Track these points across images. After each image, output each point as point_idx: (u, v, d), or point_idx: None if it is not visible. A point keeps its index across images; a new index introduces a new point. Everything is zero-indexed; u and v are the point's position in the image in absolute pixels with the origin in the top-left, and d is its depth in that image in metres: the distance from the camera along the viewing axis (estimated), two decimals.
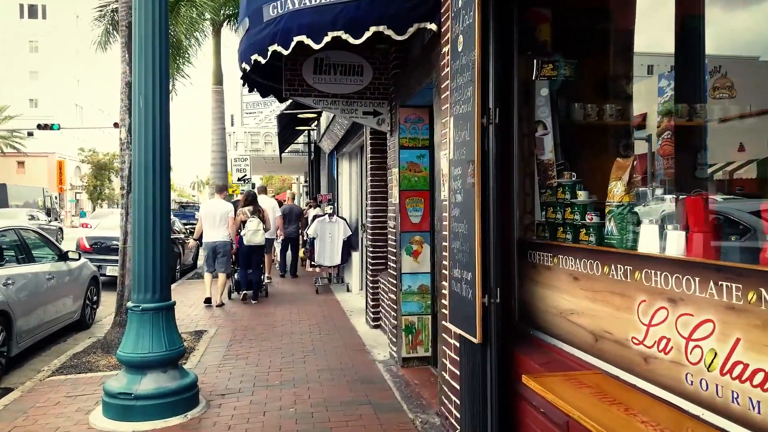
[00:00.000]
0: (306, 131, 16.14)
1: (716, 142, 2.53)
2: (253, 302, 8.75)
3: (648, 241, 2.05)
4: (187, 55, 12.44)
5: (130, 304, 4.05)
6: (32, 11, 53.40)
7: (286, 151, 17.17)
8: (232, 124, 24.92)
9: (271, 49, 4.22)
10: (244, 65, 4.66)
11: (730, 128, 2.50)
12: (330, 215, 9.73)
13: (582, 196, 2.53)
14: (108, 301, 8.61)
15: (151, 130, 4.09)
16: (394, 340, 5.34)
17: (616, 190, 2.23)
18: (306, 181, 24.28)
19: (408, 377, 4.78)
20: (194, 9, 11.29)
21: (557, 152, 3.02)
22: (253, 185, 26.86)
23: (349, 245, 9.68)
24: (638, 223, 2.15)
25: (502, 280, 2.82)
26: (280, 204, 13.54)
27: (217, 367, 5.18)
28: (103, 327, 7.48)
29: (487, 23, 2.79)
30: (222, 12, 12.53)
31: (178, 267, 12.29)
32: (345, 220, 9.92)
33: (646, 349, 1.97)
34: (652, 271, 1.95)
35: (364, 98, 5.56)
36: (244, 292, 8.96)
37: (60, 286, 6.67)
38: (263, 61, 4.35)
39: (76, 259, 7.25)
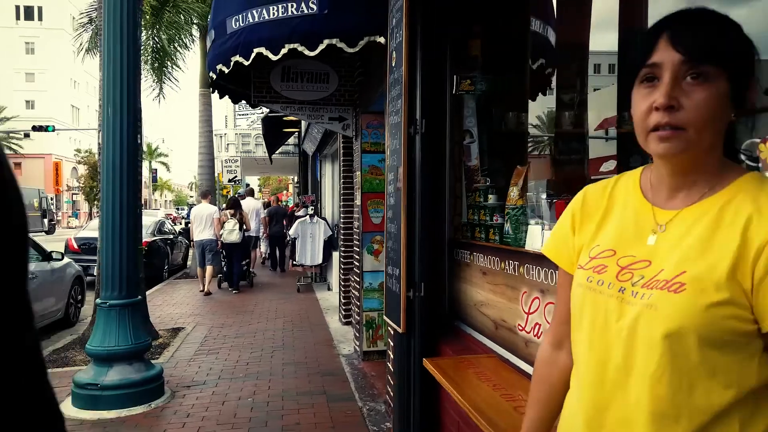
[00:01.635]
0: (295, 133, 16.41)
1: None
2: (231, 290, 9.81)
3: (533, 240, 2.31)
4: (174, 59, 12.66)
5: (98, 300, 4.31)
6: (28, 13, 53.61)
7: (278, 152, 17.42)
8: (227, 125, 25.19)
9: (233, 59, 4.48)
10: (211, 74, 4.94)
11: None
12: (311, 216, 10.00)
13: (491, 199, 2.79)
14: (93, 300, 8.90)
15: (119, 136, 4.34)
16: (358, 335, 5.60)
17: (513, 194, 2.50)
18: (297, 182, 24.57)
19: (367, 370, 5.04)
20: (180, 14, 11.52)
21: (483, 159, 3.28)
22: (247, 185, 27.22)
23: (330, 245, 9.96)
24: (528, 223, 2.41)
25: (431, 276, 3.08)
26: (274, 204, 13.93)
27: (188, 361, 5.44)
28: (86, 325, 7.73)
29: (415, 41, 3.05)
30: (209, 16, 12.77)
31: (166, 267, 12.54)
32: (326, 220, 10.19)
33: (526, 335, 2.24)
34: (531, 266, 2.21)
35: (331, 104, 5.82)
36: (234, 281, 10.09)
37: (43, 286, 6.92)
38: (227, 71, 4.61)
39: (59, 260, 7.50)
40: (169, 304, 8.83)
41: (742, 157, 1.35)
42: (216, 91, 5.70)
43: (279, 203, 13.10)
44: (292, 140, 18.24)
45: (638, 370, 0.89)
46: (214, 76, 4.88)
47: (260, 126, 23.67)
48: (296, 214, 12.40)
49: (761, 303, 0.82)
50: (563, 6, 3.48)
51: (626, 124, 2.86)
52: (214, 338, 6.40)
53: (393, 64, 3.28)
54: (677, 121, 0.87)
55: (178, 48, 13.07)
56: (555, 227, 1.12)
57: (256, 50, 4.33)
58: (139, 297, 4.46)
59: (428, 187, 3.10)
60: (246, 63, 4.41)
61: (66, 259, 7.84)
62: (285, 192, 37.76)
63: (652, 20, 2.84)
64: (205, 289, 9.59)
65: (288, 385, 4.63)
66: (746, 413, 0.86)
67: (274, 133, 14.60)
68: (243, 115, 26.26)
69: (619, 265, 0.95)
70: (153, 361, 4.90)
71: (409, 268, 2.99)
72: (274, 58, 4.29)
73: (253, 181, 50.52)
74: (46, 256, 7.28)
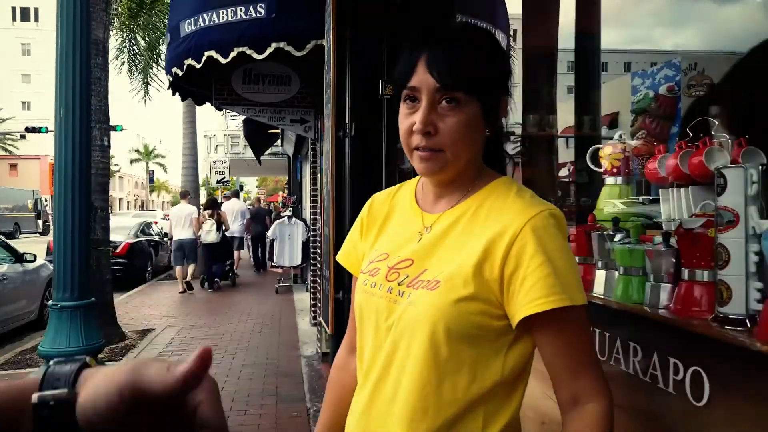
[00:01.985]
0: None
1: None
2: (210, 290, 9.96)
3: None
4: (157, 61, 12.70)
5: (50, 302, 4.33)
6: (25, 14, 53.68)
7: (267, 153, 17.41)
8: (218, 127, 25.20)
9: (186, 62, 4.52)
10: (168, 76, 4.98)
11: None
12: (289, 217, 10.05)
13: None
14: None
15: (71, 139, 4.38)
16: (320, 336, 5.62)
17: None
18: (287, 184, 24.61)
19: (324, 371, 5.06)
20: (158, 16, 11.57)
21: None
22: (241, 186, 27.01)
23: (308, 246, 10.00)
24: None
25: None
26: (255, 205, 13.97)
27: None
28: None
29: (344, 45, 3.09)
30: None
31: (149, 268, 12.56)
32: (305, 221, 10.22)
33: None
34: None
35: (293, 107, 5.84)
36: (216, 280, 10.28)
37: (15, 287, 6.94)
38: (181, 73, 4.65)
39: (32, 261, 7.53)
40: (146, 305, 8.85)
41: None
42: (175, 93, 5.71)
43: (261, 204, 13.13)
44: (280, 141, 18.26)
45: (397, 366, 0.93)
46: (171, 78, 4.92)
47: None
48: (281, 215, 12.49)
49: (509, 300, 0.86)
50: (529, 9, 3.49)
51: (583, 127, 2.89)
52: (181, 339, 6.42)
53: (326, 69, 3.31)
54: (434, 145, 0.91)
55: (162, 50, 13.11)
56: (348, 235, 1.15)
57: (207, 53, 4.37)
58: (93, 299, 4.47)
59: (358, 190, 3.13)
60: (198, 66, 4.45)
61: (39, 261, 7.85)
62: (281, 192, 37.68)
63: (604, 24, 2.81)
64: (181, 287, 9.75)
65: (242, 387, 4.65)
66: (492, 407, 0.89)
67: (259, 134, 14.63)
68: (234, 116, 26.31)
69: (389, 266, 0.99)
70: (116, 363, 4.93)
71: (338, 269, 3.02)
72: (223, 61, 4.33)
73: (251, 181, 50.38)
74: (19, 257, 7.30)
